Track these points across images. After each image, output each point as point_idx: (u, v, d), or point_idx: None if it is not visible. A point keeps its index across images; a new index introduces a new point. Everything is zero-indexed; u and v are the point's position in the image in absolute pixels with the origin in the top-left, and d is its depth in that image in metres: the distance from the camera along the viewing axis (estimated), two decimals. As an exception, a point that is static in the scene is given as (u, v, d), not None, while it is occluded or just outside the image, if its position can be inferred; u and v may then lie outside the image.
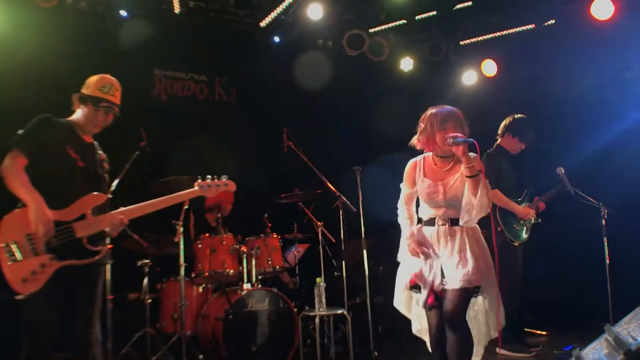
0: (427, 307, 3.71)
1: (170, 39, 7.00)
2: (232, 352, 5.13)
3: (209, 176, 3.90)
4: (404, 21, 7.50)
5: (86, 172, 3.58)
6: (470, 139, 3.49)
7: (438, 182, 3.74)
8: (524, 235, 5.59)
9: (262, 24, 7.20)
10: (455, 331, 3.61)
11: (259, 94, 7.60)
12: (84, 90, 3.68)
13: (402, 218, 3.93)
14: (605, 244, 5.54)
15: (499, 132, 5.75)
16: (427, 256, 3.69)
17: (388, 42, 7.81)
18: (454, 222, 3.72)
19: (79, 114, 3.68)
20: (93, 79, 3.71)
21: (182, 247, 5.35)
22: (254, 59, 7.55)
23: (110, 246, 4.87)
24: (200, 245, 5.65)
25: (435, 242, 3.74)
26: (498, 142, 5.75)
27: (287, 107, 7.48)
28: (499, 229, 5.49)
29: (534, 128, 5.73)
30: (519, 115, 5.72)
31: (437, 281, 3.64)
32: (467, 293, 3.64)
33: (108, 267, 4.96)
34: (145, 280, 5.49)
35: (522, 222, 5.59)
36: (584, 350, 3.50)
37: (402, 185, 3.96)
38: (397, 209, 3.99)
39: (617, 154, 6.99)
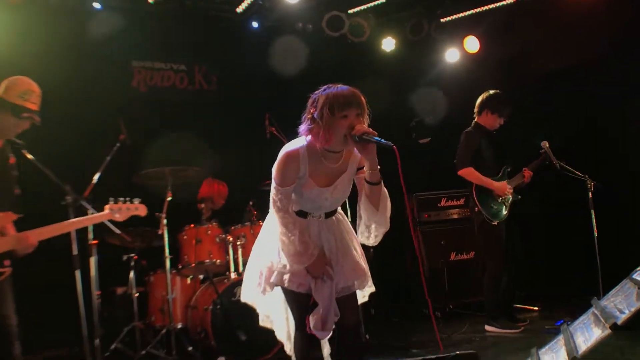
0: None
1: (146, 29, 6.86)
2: (221, 343, 5.07)
3: (121, 199, 4.07)
4: (382, 0, 7.41)
5: None
6: (389, 142, 2.81)
7: (326, 188, 3.12)
8: (504, 213, 5.57)
9: (239, 9, 7.08)
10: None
11: (239, 81, 7.49)
12: (0, 94, 3.48)
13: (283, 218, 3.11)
14: (593, 216, 5.52)
15: (476, 109, 5.75)
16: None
17: (368, 23, 7.70)
18: (328, 214, 3.26)
19: None
20: (12, 82, 3.52)
21: (166, 239, 5.30)
22: (233, 45, 7.43)
23: (95, 242, 4.88)
24: (185, 237, 5.58)
25: (316, 234, 3.21)
26: (475, 119, 5.76)
27: (269, 92, 7.37)
28: (477, 209, 5.51)
29: (509, 103, 5.71)
30: (494, 91, 5.70)
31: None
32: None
33: (93, 262, 4.89)
34: (132, 274, 5.45)
35: (500, 200, 5.56)
36: (572, 324, 3.49)
37: (277, 184, 3.06)
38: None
39: (604, 128, 6.93)
